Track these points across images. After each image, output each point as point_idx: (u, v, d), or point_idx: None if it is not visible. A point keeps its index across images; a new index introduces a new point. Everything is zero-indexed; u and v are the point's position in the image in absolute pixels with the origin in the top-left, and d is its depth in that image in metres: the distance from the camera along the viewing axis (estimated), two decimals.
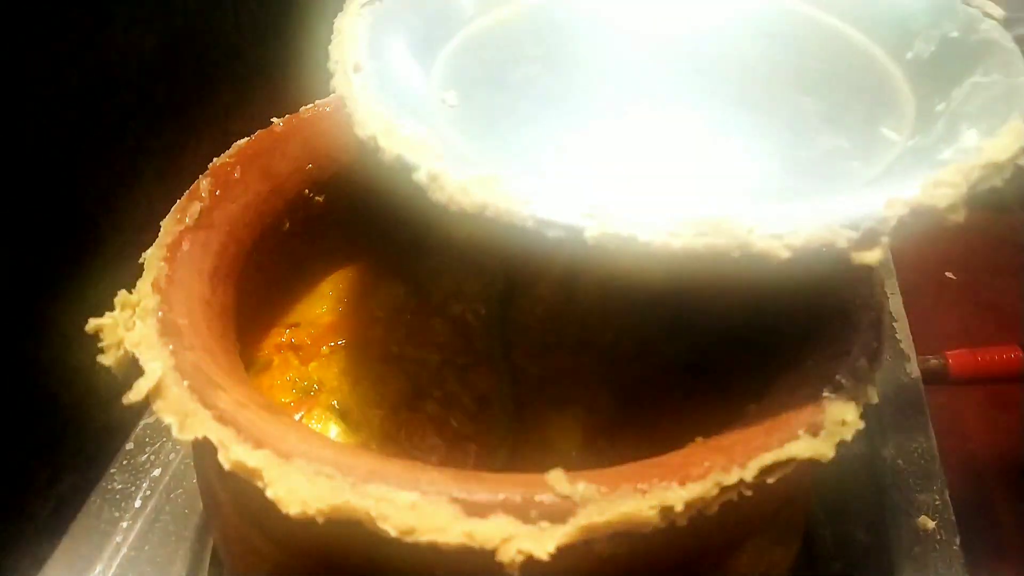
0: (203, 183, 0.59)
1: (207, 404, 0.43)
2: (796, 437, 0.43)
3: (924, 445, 0.89)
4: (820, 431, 0.44)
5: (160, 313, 0.49)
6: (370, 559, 0.41)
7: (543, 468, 0.62)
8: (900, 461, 0.88)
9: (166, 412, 0.43)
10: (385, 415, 0.63)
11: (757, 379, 0.51)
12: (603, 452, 0.62)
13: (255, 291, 0.67)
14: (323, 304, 0.73)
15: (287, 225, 0.66)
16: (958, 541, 0.82)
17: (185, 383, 0.44)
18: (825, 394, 0.45)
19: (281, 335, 0.69)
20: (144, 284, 0.51)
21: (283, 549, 0.48)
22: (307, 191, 0.67)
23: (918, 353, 1.07)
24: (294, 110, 0.68)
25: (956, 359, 1.35)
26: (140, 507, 0.76)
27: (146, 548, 0.78)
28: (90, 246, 0.86)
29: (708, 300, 0.62)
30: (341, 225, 0.75)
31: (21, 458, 1.03)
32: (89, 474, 0.88)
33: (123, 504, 0.82)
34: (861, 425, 0.44)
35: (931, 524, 0.82)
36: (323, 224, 0.71)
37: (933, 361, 1.30)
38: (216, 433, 0.42)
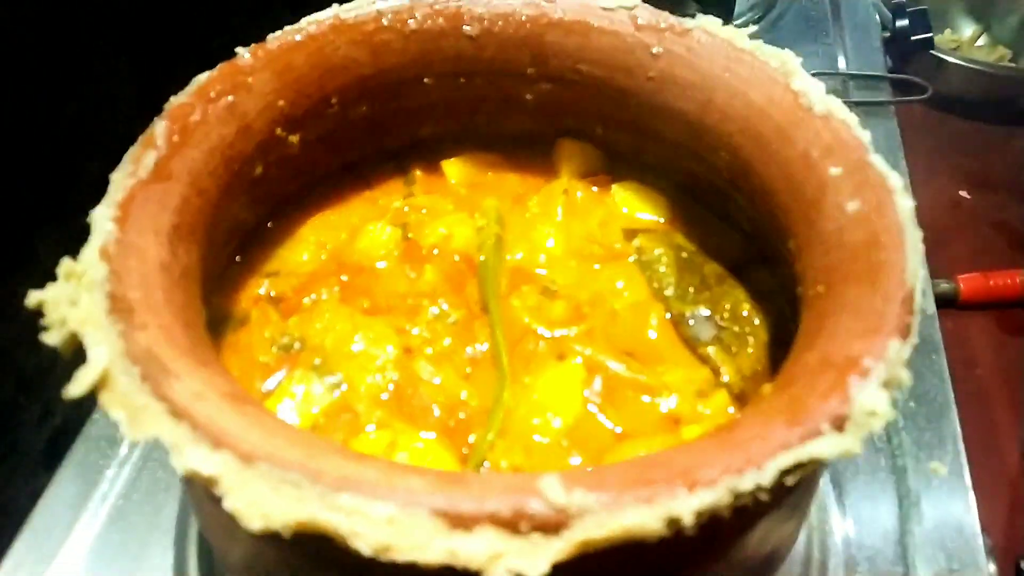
0: (158, 128, 0.53)
1: (160, 396, 0.39)
2: (819, 433, 0.38)
3: (939, 388, 0.85)
4: (846, 424, 0.39)
5: (108, 286, 0.43)
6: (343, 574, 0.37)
7: (543, 432, 0.59)
8: (912, 403, 0.84)
9: (113, 406, 0.38)
10: (372, 375, 0.59)
11: None
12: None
13: (227, 241, 0.62)
14: (304, 250, 0.67)
15: (259, 170, 0.60)
16: (968, 481, 0.79)
17: (135, 371, 0.39)
18: (851, 380, 0.41)
19: (259, 285, 0.64)
20: (91, 250, 0.45)
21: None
22: (279, 130, 0.60)
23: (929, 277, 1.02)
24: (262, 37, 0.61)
25: (968, 283, 1.30)
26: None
27: (143, 475, 0.76)
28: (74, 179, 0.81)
29: None
30: (319, 165, 0.69)
31: (10, 393, 1.01)
32: (81, 410, 0.86)
33: (116, 437, 0.80)
34: (892, 415, 0.40)
35: (943, 470, 0.79)
36: (299, 165, 0.65)
37: (944, 285, 1.25)
38: (169, 432, 0.37)
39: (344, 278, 0.65)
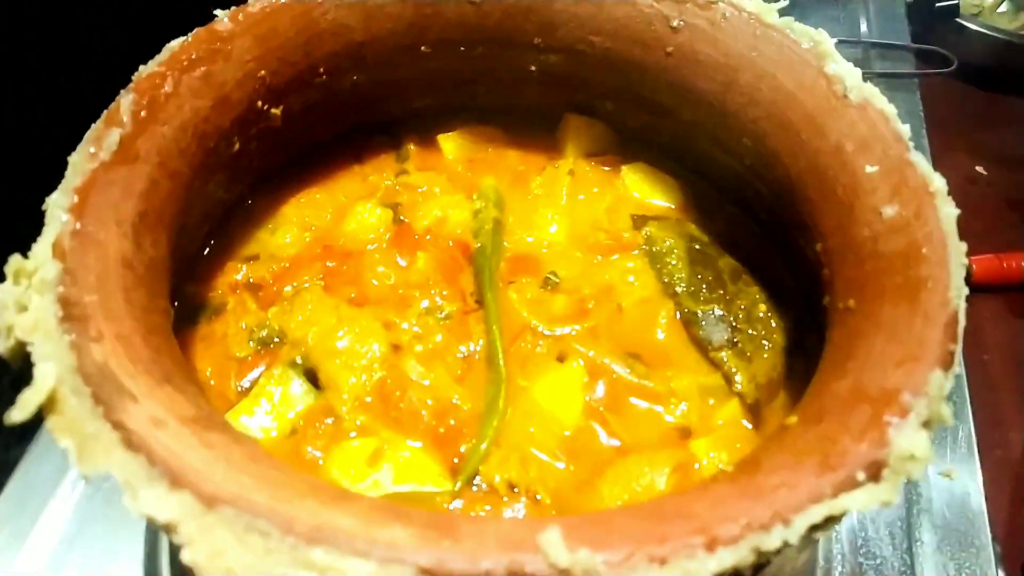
0: (123, 102, 0.47)
1: (114, 423, 0.34)
2: (854, 482, 0.34)
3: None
4: (883, 471, 0.35)
5: (61, 288, 0.39)
6: None
7: (540, 443, 0.55)
8: None
9: (61, 434, 0.34)
10: (357, 374, 0.54)
11: None
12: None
13: (201, 223, 0.57)
14: (286, 230, 0.62)
15: (237, 145, 0.55)
16: (980, 486, 0.76)
17: (87, 392, 0.35)
18: (888, 419, 0.36)
19: (237, 271, 0.59)
20: (43, 245, 0.40)
21: None
22: (260, 103, 0.55)
23: None
24: None
25: (980, 264, 1.26)
26: None
27: None
28: None
29: None
30: (305, 138, 0.63)
31: None
32: None
33: None
34: (932, 458, 0.36)
35: (956, 474, 0.75)
36: (282, 139, 0.60)
37: None
38: (123, 467, 0.33)
39: (329, 264, 0.60)
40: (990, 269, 1.27)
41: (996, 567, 0.69)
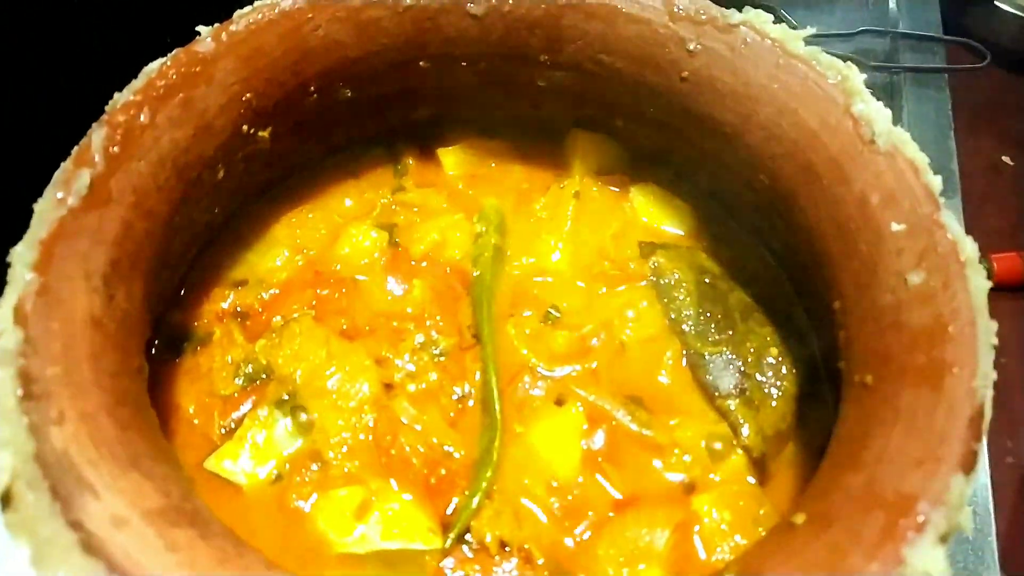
0: (95, 138, 0.44)
1: (72, 523, 0.32)
2: None
3: None
4: None
5: (22, 360, 0.36)
6: None
7: (535, 496, 0.53)
8: None
9: (18, 534, 0.32)
10: (347, 417, 0.52)
11: None
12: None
13: (184, 252, 0.54)
14: (276, 252, 0.59)
15: (221, 173, 0.52)
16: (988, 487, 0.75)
17: (45, 487, 0.33)
18: (903, 533, 0.34)
19: (224, 297, 0.57)
20: (5, 309, 0.38)
21: None
22: (246, 127, 0.52)
23: None
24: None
25: (1002, 263, 1.22)
26: None
27: None
28: None
29: None
30: (295, 155, 0.60)
31: None
32: None
33: None
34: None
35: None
36: (271, 158, 0.56)
37: None
38: (80, 572, 0.31)
39: (321, 292, 0.57)
40: (1012, 269, 1.22)
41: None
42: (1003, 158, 1.41)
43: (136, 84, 0.47)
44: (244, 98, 0.50)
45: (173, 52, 0.48)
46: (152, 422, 0.41)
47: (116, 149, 0.44)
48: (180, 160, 0.47)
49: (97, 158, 0.43)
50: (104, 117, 0.45)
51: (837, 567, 0.33)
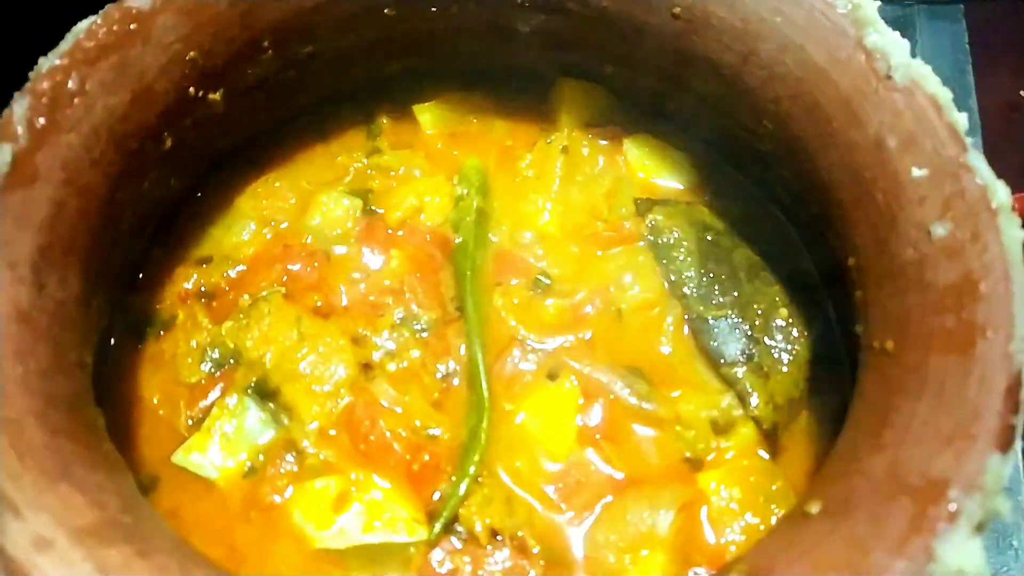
0: (16, 109, 0.40)
1: None
2: None
3: None
4: None
5: None
6: None
7: (528, 480, 0.49)
8: None
9: None
10: (321, 402, 0.48)
11: None
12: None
13: (139, 228, 0.50)
14: (241, 226, 0.55)
15: (169, 143, 0.47)
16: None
17: None
18: (933, 524, 0.30)
19: (187, 277, 0.52)
20: None
21: None
22: (193, 89, 0.47)
23: None
24: None
25: (1023, 203, 1.16)
26: None
27: None
28: None
29: None
30: (256, 120, 0.55)
31: None
32: None
33: None
34: (983, 574, 0.29)
35: None
36: (228, 124, 0.52)
37: None
38: None
39: (291, 267, 0.53)
40: None
41: None
42: (1022, 92, 1.34)
43: (63, 47, 0.42)
44: (188, 57, 0.46)
45: (104, 9, 0.43)
46: (93, 422, 0.37)
47: (42, 120, 0.40)
48: (118, 130, 0.43)
49: (20, 131, 0.39)
50: (27, 85, 0.41)
51: (857, 565, 0.29)
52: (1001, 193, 0.37)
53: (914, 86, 0.41)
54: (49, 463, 0.32)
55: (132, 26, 0.44)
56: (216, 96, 0.49)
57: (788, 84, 0.45)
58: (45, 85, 0.41)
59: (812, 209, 0.48)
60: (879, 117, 0.41)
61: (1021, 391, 0.33)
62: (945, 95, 0.40)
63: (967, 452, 0.31)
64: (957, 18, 0.95)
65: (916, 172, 0.39)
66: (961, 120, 0.40)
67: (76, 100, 0.41)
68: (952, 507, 0.30)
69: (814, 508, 0.33)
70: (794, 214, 0.54)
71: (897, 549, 0.29)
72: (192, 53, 0.46)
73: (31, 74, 0.41)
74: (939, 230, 0.38)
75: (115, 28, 0.43)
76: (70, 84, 0.41)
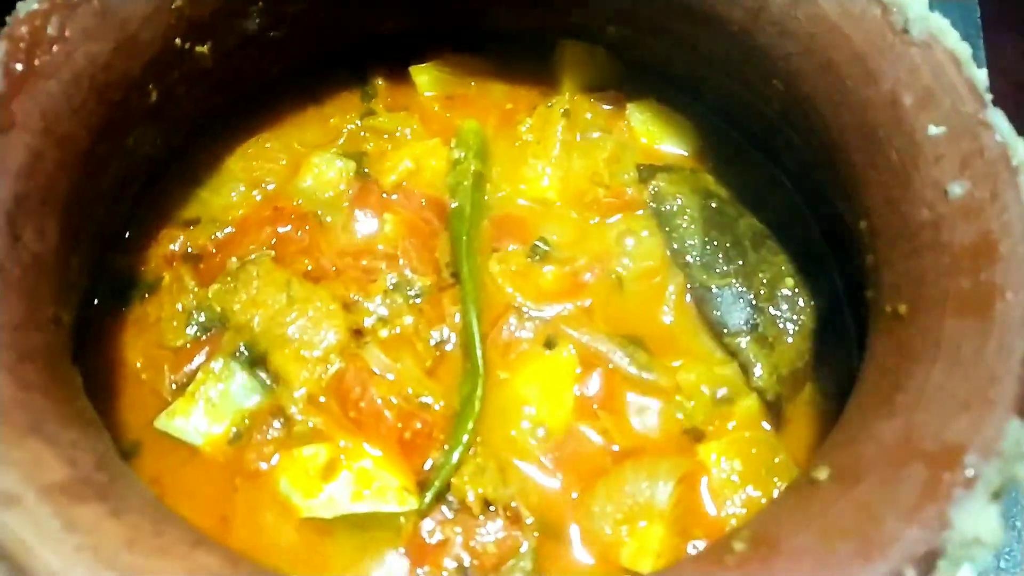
0: None
1: None
2: None
3: None
4: (938, 561, 0.27)
5: None
6: None
7: (522, 448, 0.48)
8: None
9: None
10: (311, 367, 0.47)
11: None
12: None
13: (122, 186, 0.48)
14: (231, 187, 0.53)
15: (154, 95, 0.45)
16: None
17: None
18: (949, 490, 0.28)
19: (173, 239, 0.51)
20: None
21: None
22: (180, 41, 0.45)
23: None
24: None
25: None
26: None
27: None
28: None
29: None
30: (247, 78, 0.53)
31: None
32: None
33: None
34: (1000, 542, 0.28)
35: None
36: (218, 80, 0.50)
37: None
38: None
39: (281, 229, 0.51)
40: None
41: None
42: None
43: None
44: (174, 6, 0.44)
45: None
46: (69, 379, 0.36)
47: (19, 66, 0.38)
48: (99, 79, 0.41)
49: None
50: (4, 30, 0.39)
51: (868, 532, 0.28)
52: (1022, 151, 0.35)
53: (932, 40, 0.39)
54: (19, 417, 0.30)
55: None
56: (204, 49, 0.47)
57: (800, 40, 0.43)
58: (23, 30, 0.39)
59: (820, 175, 0.46)
60: (895, 73, 0.39)
61: None
62: (965, 49, 0.39)
63: (985, 417, 0.30)
64: None
65: (933, 130, 0.38)
66: (981, 75, 0.38)
67: (56, 47, 0.39)
68: (969, 473, 0.28)
69: (822, 474, 0.32)
70: (801, 182, 0.52)
71: (910, 516, 0.28)
72: (178, 2, 0.44)
73: (8, 18, 0.39)
74: (956, 189, 0.36)
75: None
76: (49, 29, 0.39)
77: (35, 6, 0.40)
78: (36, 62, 0.39)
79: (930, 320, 0.34)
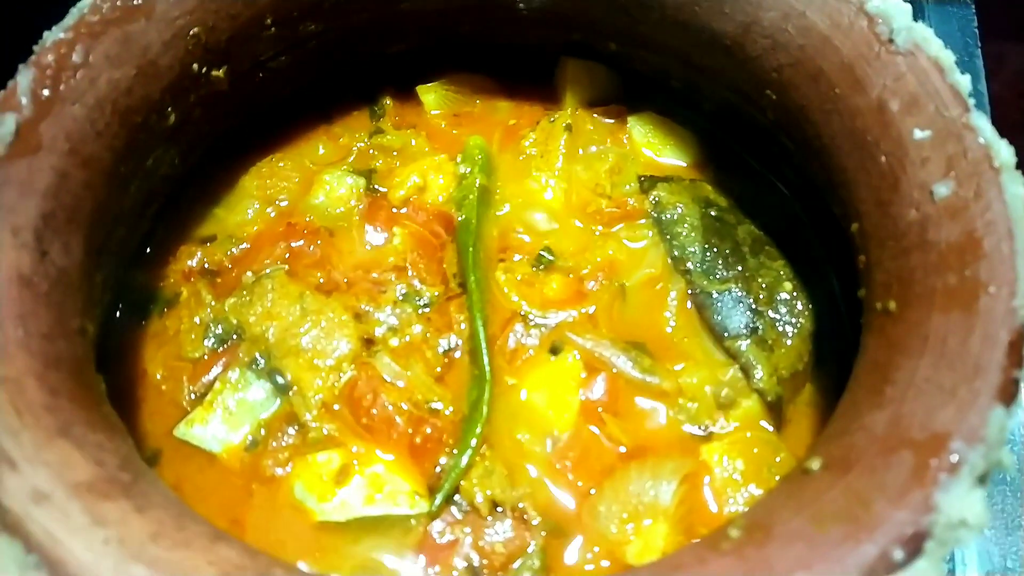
0: (21, 80, 0.40)
1: None
2: (889, 565, 0.28)
3: None
4: (926, 543, 0.28)
5: None
6: None
7: (530, 452, 0.49)
8: None
9: None
10: (324, 376, 0.48)
11: None
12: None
13: (143, 205, 0.50)
14: (246, 204, 0.55)
15: (173, 117, 0.47)
16: None
17: None
18: (935, 476, 0.29)
19: (191, 255, 0.53)
20: None
21: None
22: (197, 66, 0.47)
23: None
24: None
25: None
26: None
27: None
28: None
29: None
30: (260, 100, 0.55)
31: None
32: None
33: None
34: (987, 525, 0.29)
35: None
36: (233, 102, 0.52)
37: None
38: None
39: (294, 244, 0.53)
40: None
41: None
42: None
43: (68, 21, 0.42)
44: (191, 33, 0.46)
45: None
46: (94, 387, 0.37)
47: (46, 92, 0.40)
48: (121, 103, 0.43)
49: (24, 101, 0.39)
50: (32, 58, 0.41)
51: (858, 517, 0.29)
52: (1004, 152, 0.37)
53: (916, 49, 0.40)
54: (48, 421, 0.32)
55: (135, 1, 0.44)
56: (220, 73, 0.49)
57: (790, 52, 0.45)
58: (50, 58, 0.41)
59: (816, 180, 0.48)
60: (881, 81, 0.41)
61: None
62: (948, 57, 0.40)
63: (970, 405, 0.31)
64: (966, 2, 0.94)
65: (919, 134, 0.39)
66: (964, 81, 0.39)
67: (80, 73, 0.42)
68: (954, 458, 0.29)
69: (814, 465, 0.33)
70: (798, 188, 0.54)
71: (898, 500, 0.29)
72: (195, 29, 0.46)
73: (36, 47, 0.41)
74: (942, 190, 0.37)
75: (119, 3, 0.44)
76: (74, 57, 0.42)
77: (61, 35, 0.42)
78: (62, 87, 0.41)
79: (918, 315, 0.35)
